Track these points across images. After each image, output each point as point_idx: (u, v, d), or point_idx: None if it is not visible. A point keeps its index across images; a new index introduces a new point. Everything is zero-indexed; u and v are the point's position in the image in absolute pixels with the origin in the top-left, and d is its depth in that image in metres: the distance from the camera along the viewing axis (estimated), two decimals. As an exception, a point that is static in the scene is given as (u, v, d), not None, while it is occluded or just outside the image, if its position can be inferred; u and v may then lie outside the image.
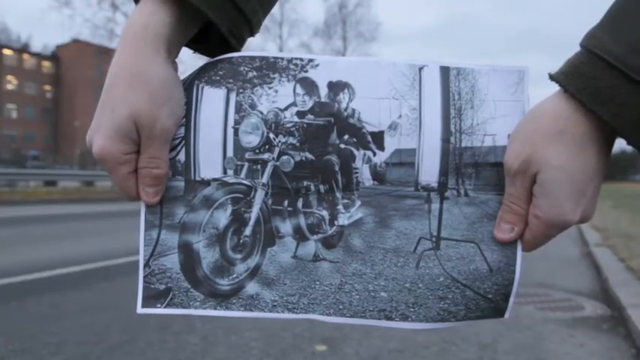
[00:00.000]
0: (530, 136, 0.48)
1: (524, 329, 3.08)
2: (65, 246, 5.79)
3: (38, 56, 57.57)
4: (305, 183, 0.53)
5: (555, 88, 0.48)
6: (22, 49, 56.07)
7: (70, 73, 55.40)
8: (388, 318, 0.52)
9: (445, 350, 2.69)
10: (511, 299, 0.53)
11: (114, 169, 0.49)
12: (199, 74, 0.53)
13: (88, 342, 2.69)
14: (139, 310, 0.53)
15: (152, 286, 0.53)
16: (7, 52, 53.98)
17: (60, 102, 56.72)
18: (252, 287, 0.53)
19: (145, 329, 2.87)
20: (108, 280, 4.16)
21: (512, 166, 0.49)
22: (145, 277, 0.53)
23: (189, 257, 0.53)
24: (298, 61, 0.53)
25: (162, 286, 0.53)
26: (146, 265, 0.53)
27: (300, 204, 0.53)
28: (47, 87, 57.35)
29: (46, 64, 57.97)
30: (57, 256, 5.01)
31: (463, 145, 0.53)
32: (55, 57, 58.09)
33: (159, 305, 0.53)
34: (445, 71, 0.53)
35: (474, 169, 0.53)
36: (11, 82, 54.66)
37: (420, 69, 0.53)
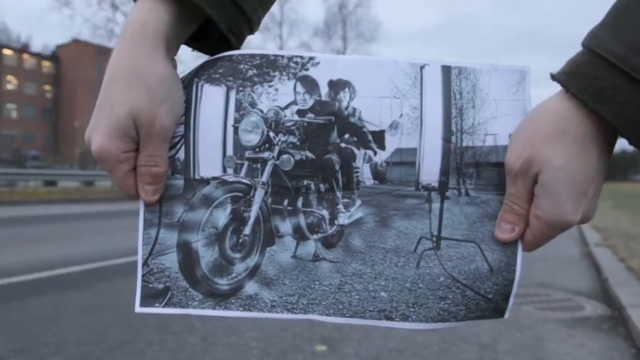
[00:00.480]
0: (531, 136, 0.48)
1: (524, 329, 3.08)
2: (65, 246, 5.79)
3: (38, 56, 57.56)
4: (305, 182, 0.53)
5: (557, 88, 0.48)
6: (22, 49, 56.06)
7: (70, 73, 55.38)
8: (388, 318, 0.52)
9: (445, 350, 2.69)
10: (511, 299, 0.52)
11: (113, 168, 0.49)
12: (199, 72, 0.53)
13: (88, 342, 2.69)
14: (137, 309, 0.53)
15: (150, 285, 0.52)
16: (7, 52, 53.97)
17: (60, 102, 56.71)
18: (251, 287, 0.52)
19: (145, 329, 2.86)
20: (108, 280, 4.16)
21: (513, 167, 0.49)
22: (143, 275, 0.52)
23: (188, 256, 0.52)
24: (299, 59, 0.53)
25: (161, 286, 0.52)
26: (144, 264, 0.52)
27: (300, 203, 0.53)
28: (47, 87, 57.35)
29: (46, 64, 57.96)
30: (57, 256, 5.01)
31: (464, 144, 0.52)
32: (55, 57, 58.08)
33: (157, 304, 0.53)
34: (446, 70, 0.53)
35: (475, 169, 0.53)
36: (11, 82, 54.66)
37: (422, 68, 0.53)
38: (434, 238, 0.52)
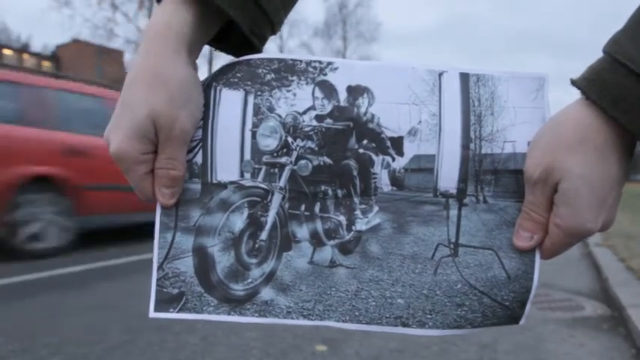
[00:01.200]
0: (551, 144, 0.47)
1: (524, 329, 3.08)
2: (65, 246, 5.79)
3: (38, 56, 57.55)
4: (323, 187, 0.52)
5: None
6: (22, 49, 56.07)
7: (70, 73, 55.41)
8: (405, 325, 0.52)
9: (445, 350, 2.69)
10: (527, 306, 0.53)
11: (130, 169, 0.49)
12: (217, 76, 0.53)
13: (88, 342, 2.69)
14: (152, 314, 0.52)
15: (165, 290, 0.52)
16: (7, 52, 53.99)
17: (60, 102, 56.68)
18: (267, 293, 0.52)
19: (145, 329, 2.86)
20: (108, 280, 4.16)
21: (532, 175, 0.48)
22: (158, 280, 0.52)
23: (203, 261, 0.52)
24: (317, 64, 0.53)
25: (176, 290, 0.52)
26: (160, 268, 0.52)
27: (317, 209, 0.53)
28: (47, 87, 57.34)
29: (46, 64, 57.98)
30: (57, 256, 5.01)
31: (483, 151, 0.52)
32: (55, 57, 58.11)
33: (172, 310, 0.52)
34: (465, 77, 0.53)
35: (494, 176, 0.53)
36: (11, 82, 54.65)
37: (440, 75, 0.53)
38: (451, 245, 0.52)
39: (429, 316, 0.52)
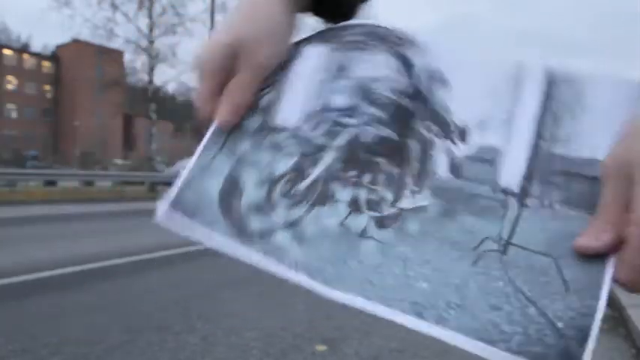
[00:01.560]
0: (634, 136, 0.40)
1: (524, 329, 3.08)
2: (65, 246, 5.79)
3: (38, 56, 57.55)
4: (378, 159, 0.50)
5: None
6: (22, 49, 56.08)
7: (70, 73, 55.40)
8: (419, 315, 0.42)
9: (446, 351, 2.69)
10: (590, 342, 0.37)
11: (204, 79, 0.53)
12: (305, 38, 0.56)
13: (88, 342, 2.69)
14: (159, 214, 0.50)
15: (185, 196, 0.51)
16: (7, 52, 53.96)
17: (60, 102, 56.71)
18: (282, 237, 0.49)
19: (145, 329, 2.86)
20: (107, 280, 4.16)
21: (607, 168, 0.41)
22: (181, 184, 0.51)
23: (233, 187, 0.51)
24: (401, 35, 0.53)
25: (194, 200, 0.51)
26: (190, 174, 0.52)
27: (366, 178, 0.50)
28: (47, 87, 57.34)
29: (46, 64, 57.95)
30: (57, 256, 5.01)
31: (555, 152, 0.47)
32: (55, 57, 58.08)
33: (182, 214, 0.50)
34: (550, 73, 0.49)
35: (565, 180, 0.45)
36: (11, 82, 54.66)
37: (522, 68, 0.50)
38: (502, 241, 0.44)
39: (451, 312, 0.41)
